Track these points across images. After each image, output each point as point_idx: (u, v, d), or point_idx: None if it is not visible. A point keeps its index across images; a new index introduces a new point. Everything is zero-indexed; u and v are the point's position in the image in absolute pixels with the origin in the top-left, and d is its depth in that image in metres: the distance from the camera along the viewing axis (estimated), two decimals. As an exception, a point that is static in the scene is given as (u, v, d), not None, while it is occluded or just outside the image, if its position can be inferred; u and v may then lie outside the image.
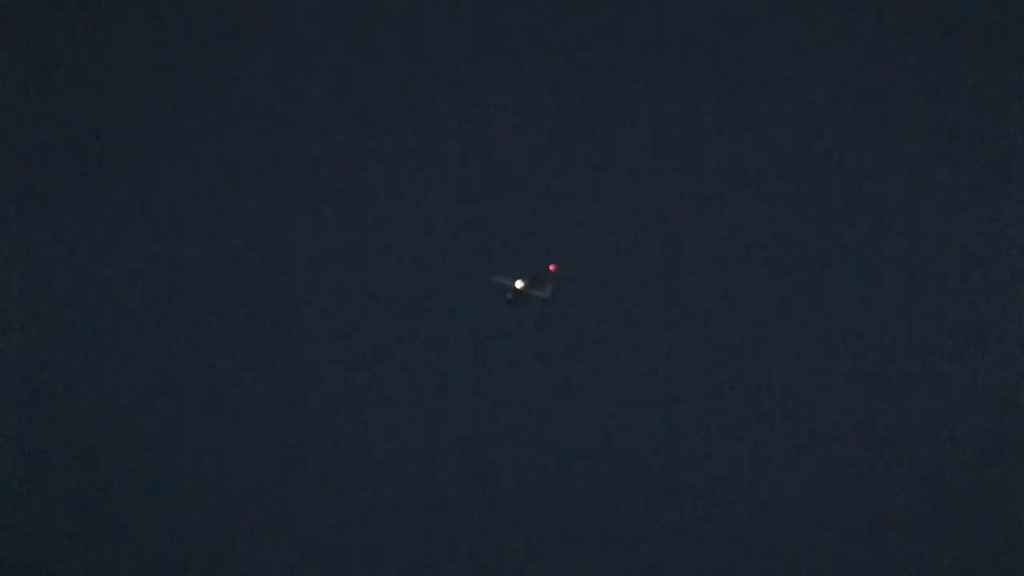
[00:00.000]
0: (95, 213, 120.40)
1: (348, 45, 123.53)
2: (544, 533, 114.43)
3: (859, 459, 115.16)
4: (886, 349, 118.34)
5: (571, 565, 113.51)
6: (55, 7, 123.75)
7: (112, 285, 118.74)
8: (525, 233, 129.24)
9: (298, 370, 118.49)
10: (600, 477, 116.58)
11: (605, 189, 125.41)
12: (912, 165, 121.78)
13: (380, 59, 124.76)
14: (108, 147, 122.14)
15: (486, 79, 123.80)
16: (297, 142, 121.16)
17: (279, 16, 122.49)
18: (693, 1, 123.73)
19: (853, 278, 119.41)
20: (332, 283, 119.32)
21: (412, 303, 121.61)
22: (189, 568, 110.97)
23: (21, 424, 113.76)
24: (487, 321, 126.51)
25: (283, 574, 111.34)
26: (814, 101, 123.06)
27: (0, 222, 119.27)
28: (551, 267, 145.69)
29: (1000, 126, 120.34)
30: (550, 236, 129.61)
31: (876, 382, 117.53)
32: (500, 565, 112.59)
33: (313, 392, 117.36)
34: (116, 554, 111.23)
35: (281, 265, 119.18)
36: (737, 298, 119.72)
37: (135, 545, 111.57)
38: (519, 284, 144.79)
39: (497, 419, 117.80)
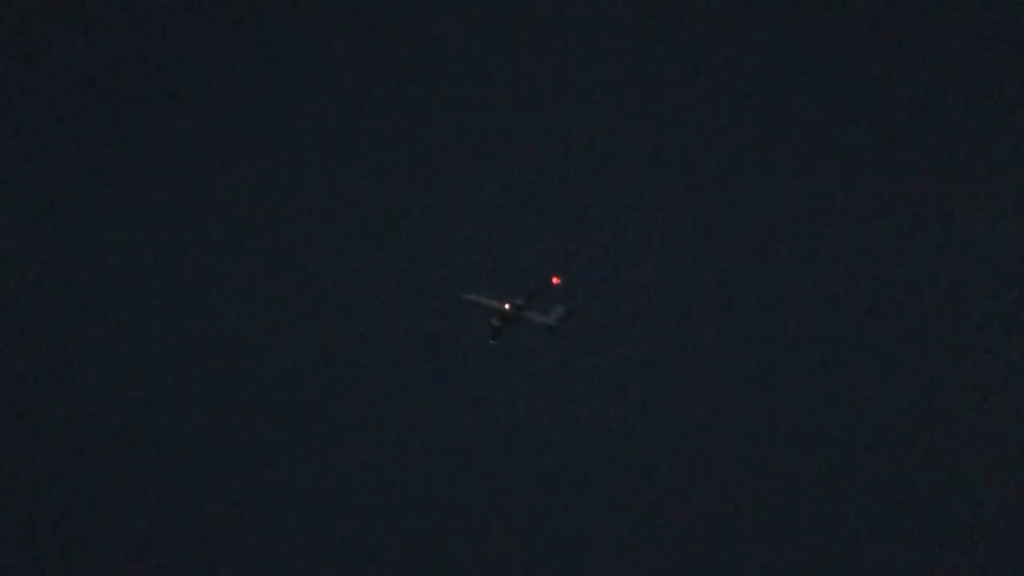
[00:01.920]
0: (93, 213, 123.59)
1: (336, 45, 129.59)
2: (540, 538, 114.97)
3: (860, 461, 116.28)
4: (886, 350, 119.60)
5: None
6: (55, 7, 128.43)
7: (109, 286, 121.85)
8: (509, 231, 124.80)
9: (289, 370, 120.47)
10: (594, 482, 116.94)
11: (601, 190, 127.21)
12: (913, 166, 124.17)
13: (365, 61, 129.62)
14: (106, 147, 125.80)
15: (476, 78, 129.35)
16: (286, 150, 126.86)
17: (279, 17, 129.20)
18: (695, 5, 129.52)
19: (853, 280, 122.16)
20: (321, 283, 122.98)
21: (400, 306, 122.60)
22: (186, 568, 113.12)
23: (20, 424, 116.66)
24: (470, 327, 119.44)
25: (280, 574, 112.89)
26: (814, 101, 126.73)
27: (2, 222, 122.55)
28: (555, 280, 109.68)
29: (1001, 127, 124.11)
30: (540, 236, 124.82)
31: (877, 384, 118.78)
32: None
33: (303, 399, 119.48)
34: (114, 554, 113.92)
35: (269, 268, 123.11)
36: (735, 303, 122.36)
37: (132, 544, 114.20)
38: (507, 306, 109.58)
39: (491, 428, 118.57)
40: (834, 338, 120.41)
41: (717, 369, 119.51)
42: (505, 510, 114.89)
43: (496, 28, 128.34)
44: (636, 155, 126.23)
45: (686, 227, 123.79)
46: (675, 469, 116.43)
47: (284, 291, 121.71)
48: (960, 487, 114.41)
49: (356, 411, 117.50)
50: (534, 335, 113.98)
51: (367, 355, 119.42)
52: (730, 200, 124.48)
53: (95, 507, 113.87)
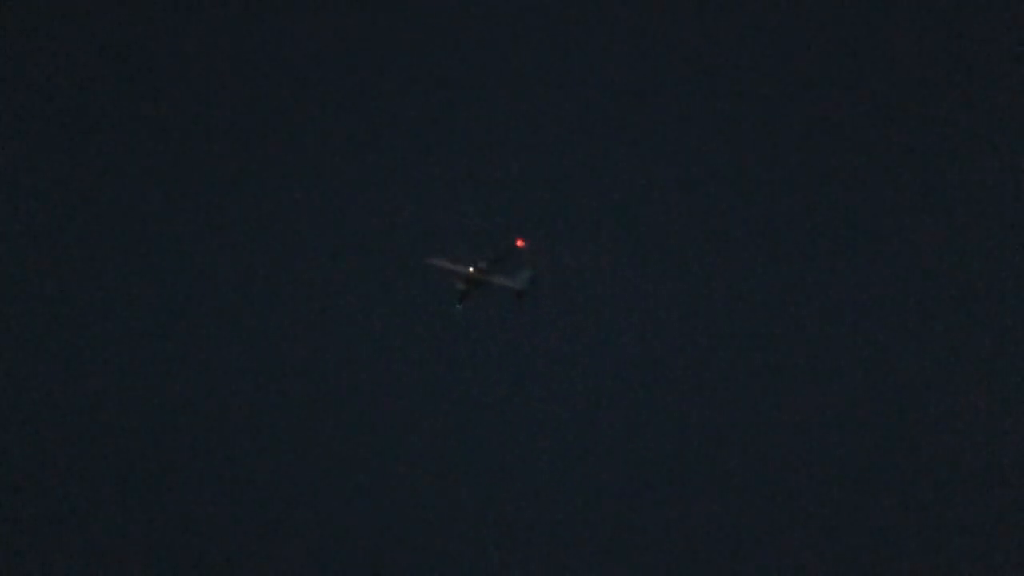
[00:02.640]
0: (93, 214, 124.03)
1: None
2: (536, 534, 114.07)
3: (855, 459, 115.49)
4: (885, 348, 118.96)
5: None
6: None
7: (109, 289, 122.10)
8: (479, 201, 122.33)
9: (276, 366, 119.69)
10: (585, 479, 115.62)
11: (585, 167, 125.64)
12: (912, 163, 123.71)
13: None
14: (107, 148, 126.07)
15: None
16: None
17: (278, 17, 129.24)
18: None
19: (849, 274, 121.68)
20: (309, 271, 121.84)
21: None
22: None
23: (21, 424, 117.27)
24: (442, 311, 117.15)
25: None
26: (812, 96, 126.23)
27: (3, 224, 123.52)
28: (519, 243, 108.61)
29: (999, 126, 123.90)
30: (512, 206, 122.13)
31: (873, 382, 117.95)
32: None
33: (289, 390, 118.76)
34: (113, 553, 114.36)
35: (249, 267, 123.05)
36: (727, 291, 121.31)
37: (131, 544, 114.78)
38: (472, 270, 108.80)
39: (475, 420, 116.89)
40: (805, 299, 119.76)
41: (686, 332, 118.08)
42: (473, 478, 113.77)
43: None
44: (606, 115, 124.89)
45: (658, 188, 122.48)
46: (645, 435, 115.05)
47: (247, 260, 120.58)
48: (958, 490, 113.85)
49: (323, 380, 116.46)
50: (501, 299, 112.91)
51: (333, 324, 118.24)
52: (702, 161, 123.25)
53: (95, 508, 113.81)
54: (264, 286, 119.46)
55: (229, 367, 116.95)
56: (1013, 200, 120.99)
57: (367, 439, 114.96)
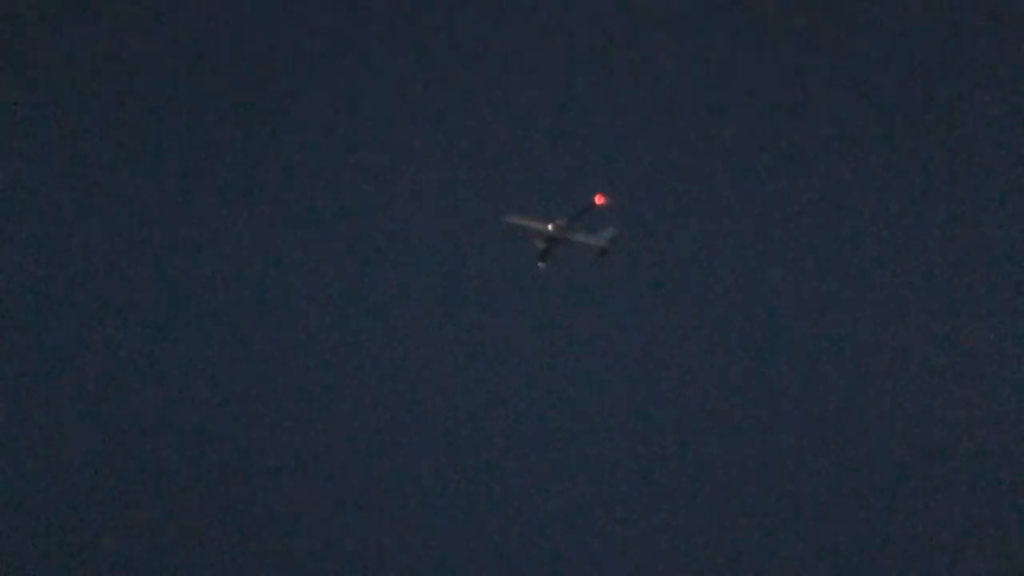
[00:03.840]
0: (98, 215, 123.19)
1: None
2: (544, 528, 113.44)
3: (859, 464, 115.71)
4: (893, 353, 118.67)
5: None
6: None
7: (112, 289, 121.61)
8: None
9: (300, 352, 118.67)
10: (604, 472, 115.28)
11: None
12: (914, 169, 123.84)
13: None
14: (109, 150, 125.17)
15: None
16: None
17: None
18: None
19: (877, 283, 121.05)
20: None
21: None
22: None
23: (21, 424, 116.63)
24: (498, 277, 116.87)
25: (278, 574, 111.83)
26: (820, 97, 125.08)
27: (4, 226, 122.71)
28: (598, 199, 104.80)
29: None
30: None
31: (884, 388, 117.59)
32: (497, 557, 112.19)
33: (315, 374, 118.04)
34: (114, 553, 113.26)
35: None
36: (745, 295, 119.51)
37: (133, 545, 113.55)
38: (551, 227, 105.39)
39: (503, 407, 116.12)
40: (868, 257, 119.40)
41: (780, 297, 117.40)
42: (556, 443, 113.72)
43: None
44: (687, 72, 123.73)
45: (745, 145, 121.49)
46: (735, 404, 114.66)
47: (329, 217, 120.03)
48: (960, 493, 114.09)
49: (404, 341, 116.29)
50: (583, 258, 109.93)
51: (412, 287, 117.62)
52: (801, 119, 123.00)
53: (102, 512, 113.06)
54: (346, 245, 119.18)
55: (314, 318, 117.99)
56: (1013, 200, 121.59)
57: (453, 401, 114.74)
